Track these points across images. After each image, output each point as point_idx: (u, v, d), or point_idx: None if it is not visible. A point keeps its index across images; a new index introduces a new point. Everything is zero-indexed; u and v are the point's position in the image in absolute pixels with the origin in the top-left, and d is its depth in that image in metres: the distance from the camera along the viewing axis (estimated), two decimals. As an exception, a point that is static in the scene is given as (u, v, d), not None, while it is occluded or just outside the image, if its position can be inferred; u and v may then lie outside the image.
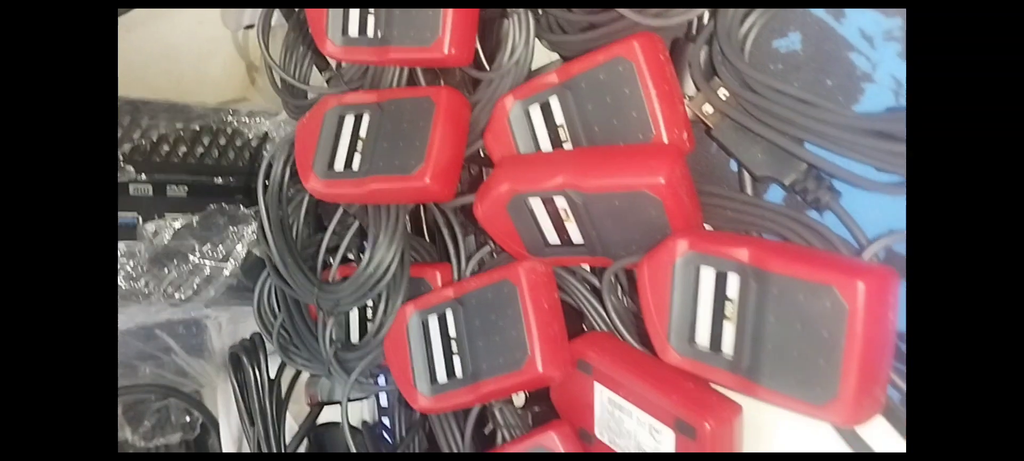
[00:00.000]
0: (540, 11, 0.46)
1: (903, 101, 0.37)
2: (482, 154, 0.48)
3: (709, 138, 0.42)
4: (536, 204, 0.42)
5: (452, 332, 0.46)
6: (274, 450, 0.59)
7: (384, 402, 0.58)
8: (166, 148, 0.60)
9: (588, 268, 0.46)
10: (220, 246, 0.58)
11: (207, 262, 0.58)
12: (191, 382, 0.73)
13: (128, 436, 0.77)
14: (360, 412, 0.61)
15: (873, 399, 0.34)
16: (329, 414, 0.64)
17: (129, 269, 0.55)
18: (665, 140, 0.40)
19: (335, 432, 0.62)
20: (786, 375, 0.34)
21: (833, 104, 0.37)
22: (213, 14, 0.71)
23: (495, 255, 0.48)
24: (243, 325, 0.67)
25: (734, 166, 0.42)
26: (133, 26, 0.66)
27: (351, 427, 0.52)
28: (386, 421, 0.57)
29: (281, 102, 0.61)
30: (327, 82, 0.58)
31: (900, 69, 0.37)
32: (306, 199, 0.54)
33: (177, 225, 0.56)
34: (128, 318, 0.61)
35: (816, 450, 0.40)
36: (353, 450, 0.53)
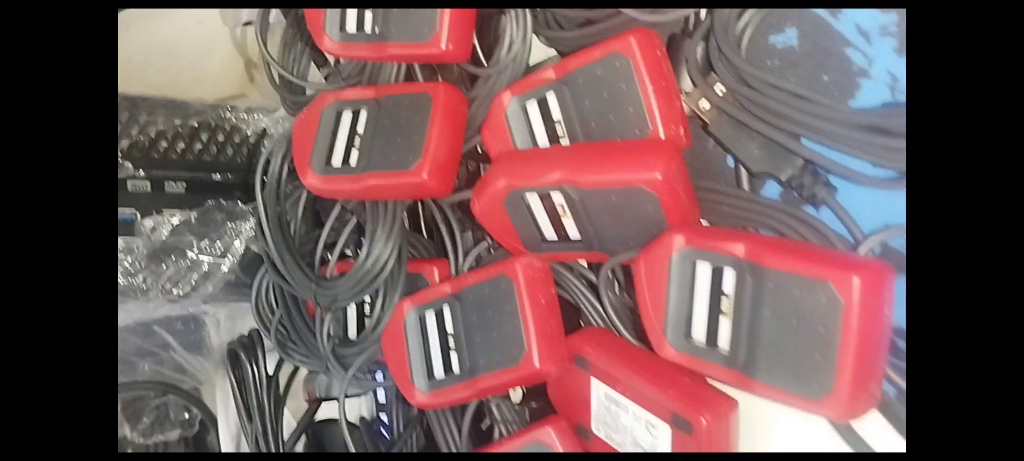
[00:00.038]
0: (537, 7, 0.47)
1: (899, 96, 0.37)
2: (480, 150, 0.48)
3: (706, 134, 0.42)
4: (533, 200, 0.42)
5: (449, 328, 0.46)
6: (272, 447, 0.59)
7: (382, 398, 0.58)
8: (164, 144, 0.60)
9: (585, 264, 0.46)
10: (218, 242, 0.58)
11: (205, 258, 0.58)
12: (190, 379, 0.73)
13: (127, 433, 0.77)
14: (358, 408, 0.61)
15: (868, 394, 0.34)
16: (327, 410, 0.64)
17: (127, 265, 0.55)
18: (662, 136, 0.40)
19: (333, 429, 0.62)
20: (782, 370, 0.34)
21: (829, 99, 0.37)
22: (212, 11, 0.71)
23: (492, 251, 0.48)
24: (241, 322, 0.67)
25: (731, 162, 0.42)
26: (132, 23, 0.67)
27: (349, 423, 0.53)
28: (384, 417, 0.57)
29: (279, 98, 0.61)
30: (325, 79, 0.58)
31: (896, 64, 0.37)
32: (304, 195, 0.54)
33: (175, 221, 0.56)
34: (126, 314, 0.61)
35: (812, 446, 0.40)
36: (351, 446, 0.53)
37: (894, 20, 0.37)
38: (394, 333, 0.48)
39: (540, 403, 0.48)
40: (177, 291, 0.57)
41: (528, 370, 0.43)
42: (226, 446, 0.72)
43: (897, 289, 0.34)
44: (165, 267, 0.56)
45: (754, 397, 0.36)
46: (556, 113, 0.43)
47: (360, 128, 0.48)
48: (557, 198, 0.41)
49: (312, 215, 0.56)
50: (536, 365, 0.42)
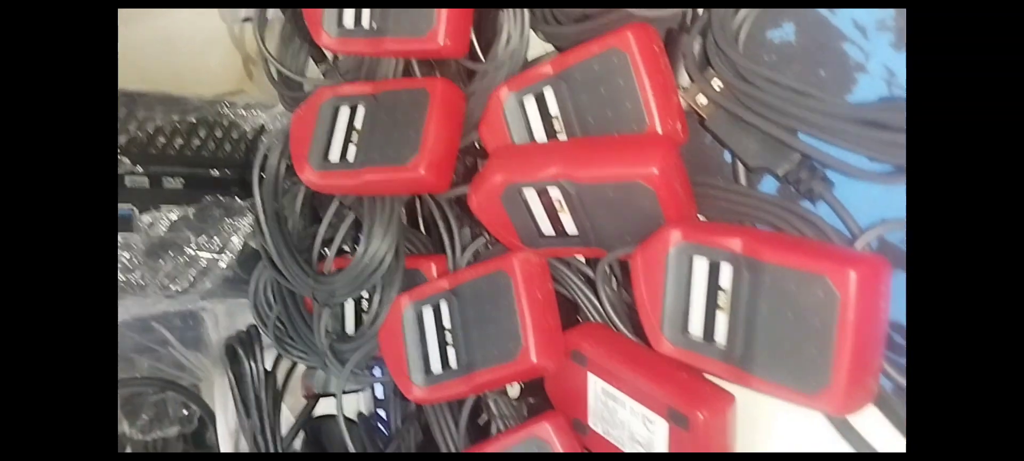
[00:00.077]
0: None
1: (896, 91, 0.37)
2: (477, 146, 0.48)
3: (703, 129, 0.42)
4: (530, 195, 0.42)
5: (446, 323, 0.46)
6: (270, 443, 0.59)
7: (380, 394, 0.58)
8: (162, 140, 0.60)
9: (583, 259, 0.46)
10: (216, 238, 0.58)
11: (203, 254, 0.58)
12: (188, 375, 0.73)
13: (126, 429, 0.77)
14: (356, 404, 0.61)
15: (865, 388, 0.34)
16: (325, 406, 0.64)
17: (125, 261, 0.55)
18: (659, 131, 0.40)
19: (331, 424, 0.62)
20: (779, 364, 0.34)
21: (826, 94, 0.37)
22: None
23: (490, 246, 0.48)
24: (240, 318, 0.67)
25: (728, 157, 0.42)
26: (130, 19, 0.66)
27: (346, 419, 0.53)
28: (382, 413, 0.58)
29: (277, 95, 0.61)
30: (323, 75, 0.58)
31: (893, 59, 0.37)
32: (302, 191, 0.54)
33: (173, 217, 0.56)
34: (124, 310, 0.61)
35: (810, 441, 0.40)
36: (348, 442, 0.53)
37: (891, 14, 0.37)
38: (391, 329, 0.48)
39: (537, 399, 0.48)
40: (175, 287, 0.57)
41: (525, 365, 0.43)
42: (224, 443, 0.71)
43: (894, 284, 0.34)
44: (163, 263, 0.56)
45: (752, 392, 0.36)
46: (553, 108, 0.43)
47: (358, 123, 0.48)
48: (554, 193, 0.41)
49: (310, 211, 0.56)
50: (533, 360, 0.42)
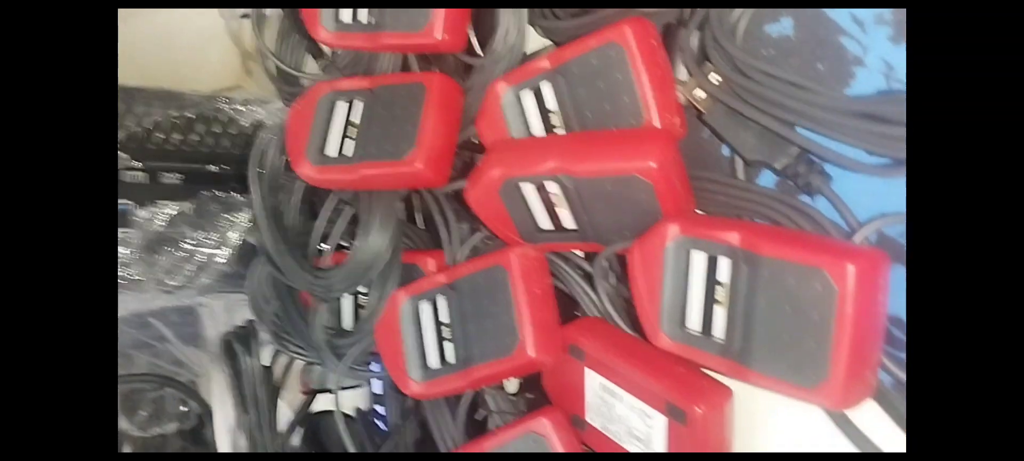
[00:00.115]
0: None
1: (894, 84, 0.37)
2: (475, 141, 0.48)
3: (701, 123, 0.42)
4: (528, 189, 0.42)
5: (444, 318, 0.46)
6: (268, 438, 0.59)
7: (378, 389, 0.57)
8: (160, 136, 0.60)
9: (581, 254, 0.46)
10: (214, 234, 0.58)
11: (201, 249, 0.57)
12: (187, 372, 0.73)
13: (124, 425, 0.77)
14: (354, 400, 0.61)
15: (864, 382, 0.34)
16: (324, 402, 0.64)
17: (122, 256, 0.55)
18: (657, 125, 0.40)
19: (330, 421, 0.62)
20: (777, 358, 0.34)
21: (825, 87, 0.37)
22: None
23: (488, 242, 0.48)
24: (238, 314, 0.67)
25: (726, 151, 0.42)
26: (129, 15, 0.66)
27: (344, 415, 0.52)
28: (380, 408, 0.57)
29: (276, 90, 0.61)
30: (321, 70, 0.58)
31: (891, 52, 0.37)
32: (300, 186, 0.54)
33: (170, 212, 0.56)
34: (122, 306, 0.61)
35: (808, 436, 0.40)
36: (346, 438, 0.53)
37: (888, 7, 0.37)
38: (389, 323, 0.48)
39: (535, 394, 0.48)
40: (172, 282, 0.57)
41: (522, 360, 0.43)
42: (222, 439, 0.71)
43: (893, 277, 0.34)
44: (160, 258, 0.56)
45: (750, 387, 0.36)
46: (551, 103, 0.43)
47: (355, 118, 0.48)
48: (552, 187, 0.41)
49: (308, 206, 0.56)
50: (530, 355, 0.42)
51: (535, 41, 0.48)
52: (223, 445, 0.67)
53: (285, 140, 0.51)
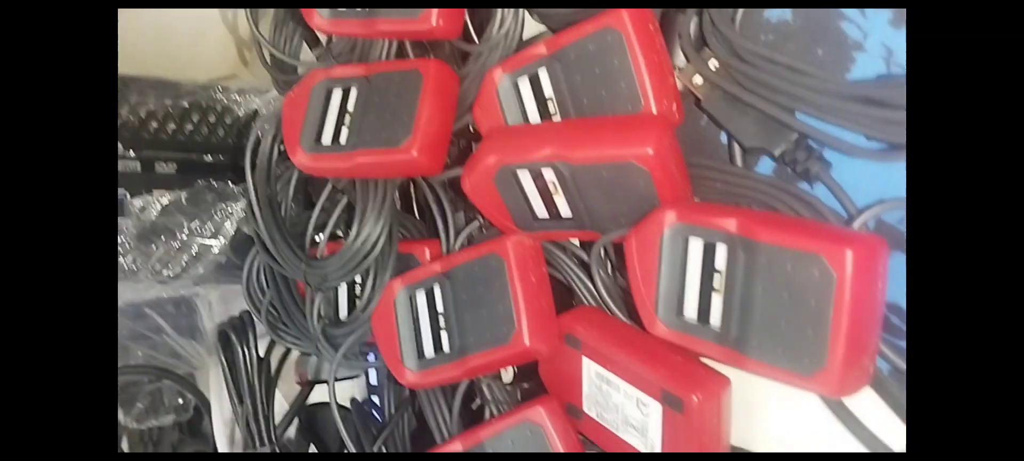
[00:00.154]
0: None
1: (894, 68, 0.36)
2: (471, 128, 0.48)
3: (699, 110, 0.42)
4: (524, 177, 0.42)
5: (439, 307, 0.46)
6: (264, 429, 0.59)
7: (374, 380, 0.57)
8: (155, 125, 0.60)
9: (577, 242, 0.45)
10: (209, 223, 0.58)
11: (196, 239, 0.57)
12: (184, 364, 0.73)
13: (121, 418, 0.77)
14: (350, 390, 0.60)
15: (862, 369, 0.34)
16: (320, 393, 0.64)
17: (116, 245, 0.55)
18: (654, 111, 0.40)
19: (326, 411, 0.62)
20: (774, 346, 0.34)
21: (824, 72, 0.37)
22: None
23: (484, 230, 0.48)
24: (234, 305, 0.66)
25: (724, 138, 0.42)
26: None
27: (340, 406, 0.52)
28: (376, 399, 0.57)
29: (271, 79, 0.60)
30: (317, 59, 0.57)
31: (891, 36, 0.36)
32: (295, 175, 0.54)
33: (165, 201, 0.56)
34: (118, 296, 0.61)
35: (805, 424, 0.40)
36: (342, 429, 0.52)
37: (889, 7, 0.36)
38: (384, 313, 0.48)
39: (531, 383, 0.47)
40: (167, 272, 0.57)
41: (518, 349, 0.42)
42: (219, 432, 0.71)
43: (891, 264, 0.34)
44: (155, 248, 0.56)
45: (747, 375, 0.36)
46: (548, 89, 0.43)
47: (350, 106, 0.48)
48: (548, 175, 0.41)
49: (303, 195, 0.56)
50: (526, 344, 0.42)
51: (531, 27, 0.47)
52: (221, 438, 0.67)
53: (281, 129, 0.51)
